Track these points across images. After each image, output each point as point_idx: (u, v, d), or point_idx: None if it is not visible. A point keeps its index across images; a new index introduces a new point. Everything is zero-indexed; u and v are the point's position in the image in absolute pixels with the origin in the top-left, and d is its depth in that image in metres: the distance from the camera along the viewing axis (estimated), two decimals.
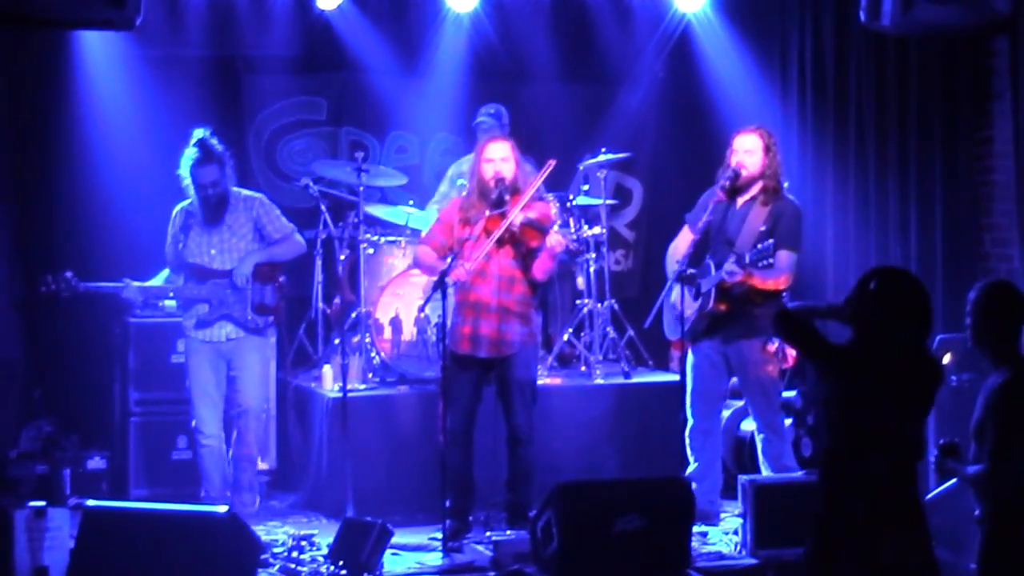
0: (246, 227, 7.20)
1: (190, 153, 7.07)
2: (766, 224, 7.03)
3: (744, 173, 7.16)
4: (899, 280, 4.93)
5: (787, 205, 7.16)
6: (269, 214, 7.26)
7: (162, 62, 8.64)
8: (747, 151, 7.17)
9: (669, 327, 7.41)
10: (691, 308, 7.15)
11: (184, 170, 7.10)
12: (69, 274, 7.06)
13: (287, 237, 7.28)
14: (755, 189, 7.18)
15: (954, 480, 6.35)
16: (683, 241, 7.26)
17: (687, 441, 7.34)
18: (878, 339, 4.83)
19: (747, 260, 6.86)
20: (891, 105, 8.26)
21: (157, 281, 7.43)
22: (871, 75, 8.36)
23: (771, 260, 6.81)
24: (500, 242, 6.85)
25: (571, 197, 8.56)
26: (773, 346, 7.16)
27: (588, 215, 8.62)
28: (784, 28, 8.96)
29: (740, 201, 7.20)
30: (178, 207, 7.24)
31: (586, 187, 8.74)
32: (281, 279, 7.24)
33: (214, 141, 7.11)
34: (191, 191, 7.13)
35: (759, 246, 6.85)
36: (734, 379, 7.41)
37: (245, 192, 7.34)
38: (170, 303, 7.90)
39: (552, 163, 7.04)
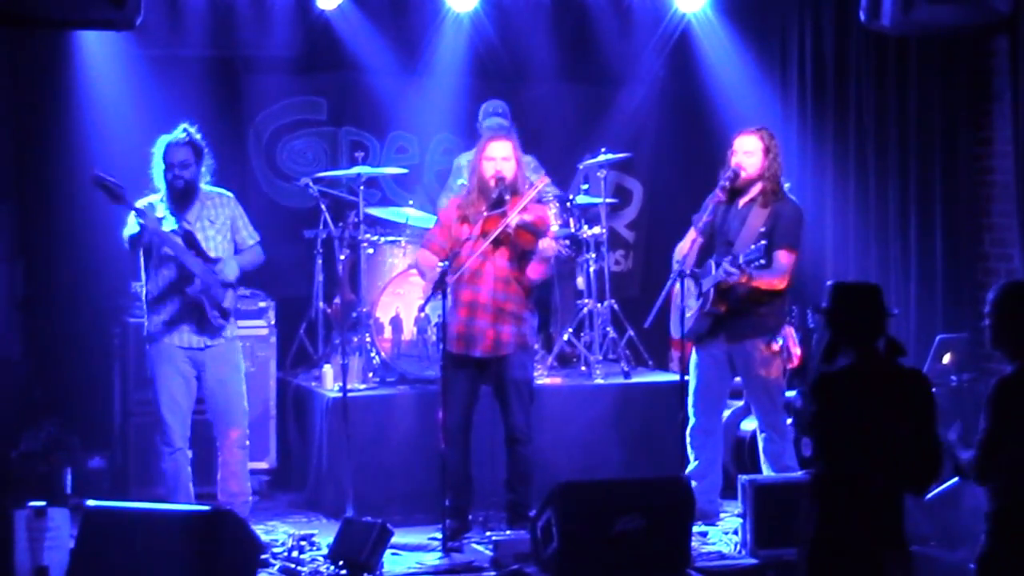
0: (226, 224, 6.96)
1: (168, 135, 6.86)
2: (766, 225, 7.04)
3: (743, 174, 7.17)
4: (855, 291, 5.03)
5: (787, 206, 7.17)
6: (244, 216, 7.06)
7: (162, 62, 8.63)
8: (747, 152, 7.18)
9: (674, 326, 7.42)
10: (693, 308, 7.17)
11: (157, 150, 6.85)
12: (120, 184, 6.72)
13: (254, 247, 7.07)
14: (755, 190, 7.19)
15: (955, 480, 6.38)
16: (687, 242, 7.28)
17: (688, 440, 7.34)
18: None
19: (741, 260, 6.87)
20: (891, 105, 8.27)
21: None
22: (871, 75, 8.36)
23: (763, 261, 6.83)
24: (496, 243, 6.85)
25: (571, 197, 8.56)
26: (777, 345, 7.17)
27: (588, 215, 8.61)
28: (784, 28, 8.97)
29: (741, 202, 7.22)
30: (146, 200, 6.87)
31: (586, 187, 8.74)
32: (234, 284, 6.91)
33: (197, 135, 6.88)
34: (159, 176, 6.84)
35: (752, 247, 6.86)
36: (737, 379, 7.42)
37: (218, 189, 7.06)
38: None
39: (543, 180, 7.02)
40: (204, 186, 6.97)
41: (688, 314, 7.22)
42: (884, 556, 4.83)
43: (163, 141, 6.87)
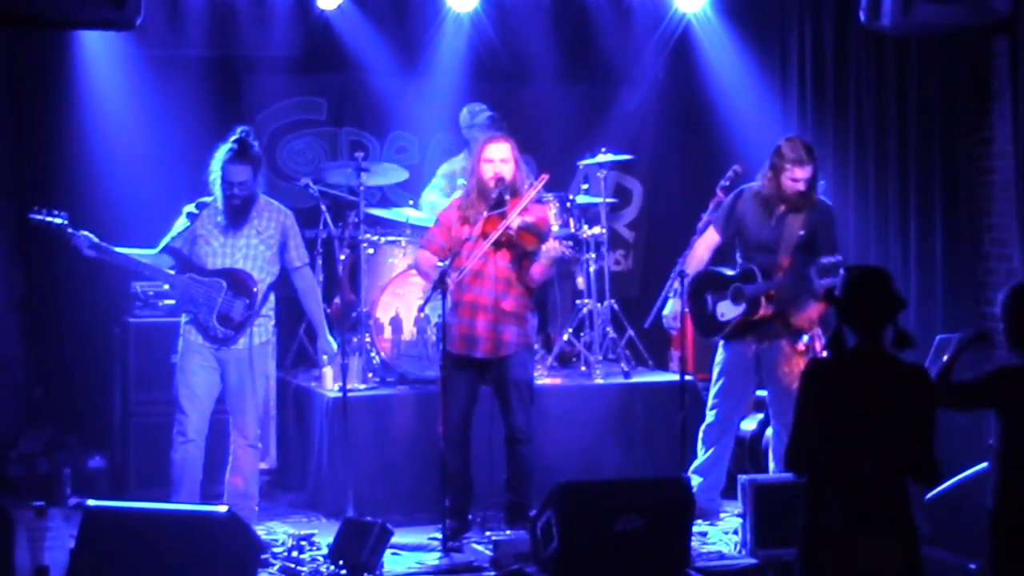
0: (274, 237, 6.97)
1: (225, 148, 6.84)
2: (804, 229, 7.09)
3: (800, 192, 7.12)
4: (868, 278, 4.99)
5: (822, 210, 7.21)
6: (297, 235, 7.06)
7: (162, 62, 8.64)
8: (808, 179, 7.11)
9: (702, 325, 7.33)
10: (732, 311, 7.15)
11: (216, 164, 6.84)
12: (65, 215, 6.82)
13: (311, 285, 7.16)
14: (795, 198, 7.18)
15: (955, 479, 6.39)
16: (711, 240, 7.28)
17: (700, 434, 7.35)
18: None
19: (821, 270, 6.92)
20: (891, 105, 8.26)
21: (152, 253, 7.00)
22: (871, 75, 8.36)
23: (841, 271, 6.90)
24: (497, 244, 6.85)
25: (571, 197, 8.56)
26: (803, 345, 7.18)
27: (588, 215, 8.62)
28: (784, 28, 8.96)
29: (780, 209, 7.17)
30: (196, 201, 6.97)
31: (586, 186, 8.75)
32: (254, 293, 6.91)
33: (254, 142, 6.91)
34: (217, 188, 6.86)
35: (831, 259, 6.89)
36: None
37: (275, 203, 7.09)
38: (170, 301, 7.88)
39: (545, 177, 7.02)
40: (262, 196, 6.99)
41: (725, 317, 7.18)
42: (884, 543, 4.79)
43: (223, 154, 6.83)
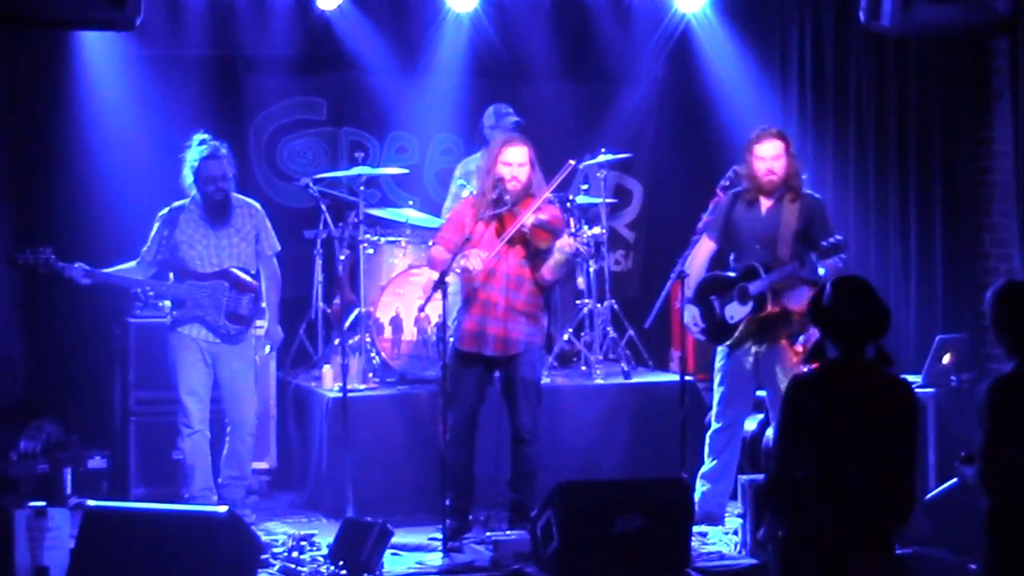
0: (251, 233, 7.28)
1: (198, 150, 7.10)
2: (799, 222, 7.07)
3: (775, 179, 7.11)
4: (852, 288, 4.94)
5: (813, 201, 7.19)
6: (267, 226, 7.37)
7: (162, 62, 8.64)
8: (774, 157, 7.11)
9: (713, 331, 7.25)
10: (740, 312, 7.12)
11: (189, 168, 7.12)
12: (49, 251, 6.96)
13: (274, 273, 7.37)
14: (779, 191, 7.16)
15: (954, 480, 6.39)
16: (707, 248, 7.26)
17: (708, 441, 7.34)
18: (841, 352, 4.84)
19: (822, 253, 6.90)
20: (891, 105, 8.27)
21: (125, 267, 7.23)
22: (871, 75, 8.37)
23: (844, 256, 6.88)
24: (510, 242, 6.86)
25: (571, 197, 8.56)
26: (801, 346, 7.17)
27: (588, 215, 8.61)
28: (784, 28, 8.97)
29: (765, 205, 7.17)
30: (169, 207, 7.22)
31: (585, 187, 8.74)
32: (256, 287, 7.24)
33: (218, 143, 7.18)
34: (194, 189, 7.13)
35: (831, 240, 6.86)
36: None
37: (244, 198, 7.39)
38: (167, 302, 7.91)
39: (572, 163, 7.05)
40: (234, 195, 7.28)
41: (735, 319, 7.15)
42: (853, 556, 4.73)
43: (194, 156, 7.10)
